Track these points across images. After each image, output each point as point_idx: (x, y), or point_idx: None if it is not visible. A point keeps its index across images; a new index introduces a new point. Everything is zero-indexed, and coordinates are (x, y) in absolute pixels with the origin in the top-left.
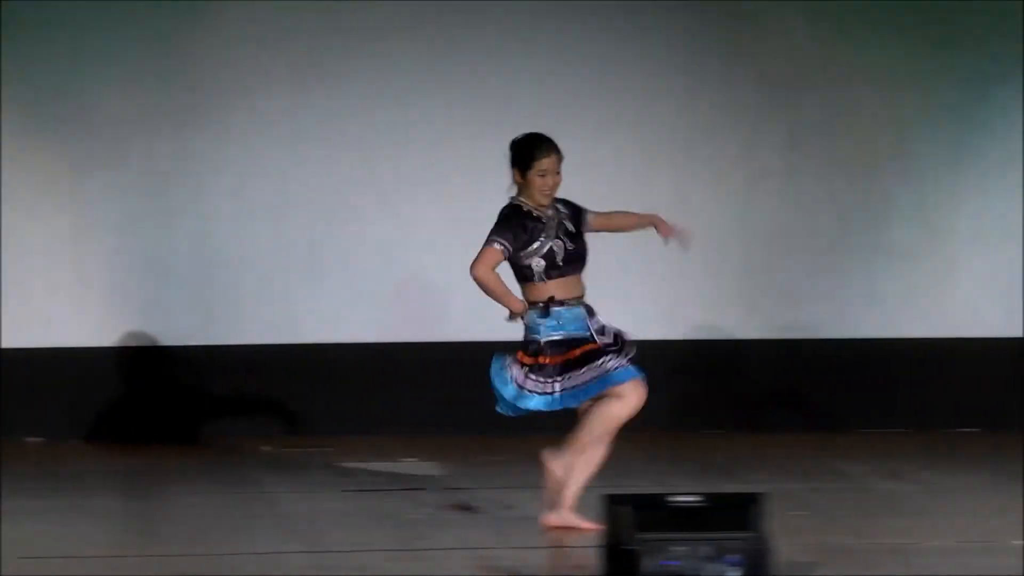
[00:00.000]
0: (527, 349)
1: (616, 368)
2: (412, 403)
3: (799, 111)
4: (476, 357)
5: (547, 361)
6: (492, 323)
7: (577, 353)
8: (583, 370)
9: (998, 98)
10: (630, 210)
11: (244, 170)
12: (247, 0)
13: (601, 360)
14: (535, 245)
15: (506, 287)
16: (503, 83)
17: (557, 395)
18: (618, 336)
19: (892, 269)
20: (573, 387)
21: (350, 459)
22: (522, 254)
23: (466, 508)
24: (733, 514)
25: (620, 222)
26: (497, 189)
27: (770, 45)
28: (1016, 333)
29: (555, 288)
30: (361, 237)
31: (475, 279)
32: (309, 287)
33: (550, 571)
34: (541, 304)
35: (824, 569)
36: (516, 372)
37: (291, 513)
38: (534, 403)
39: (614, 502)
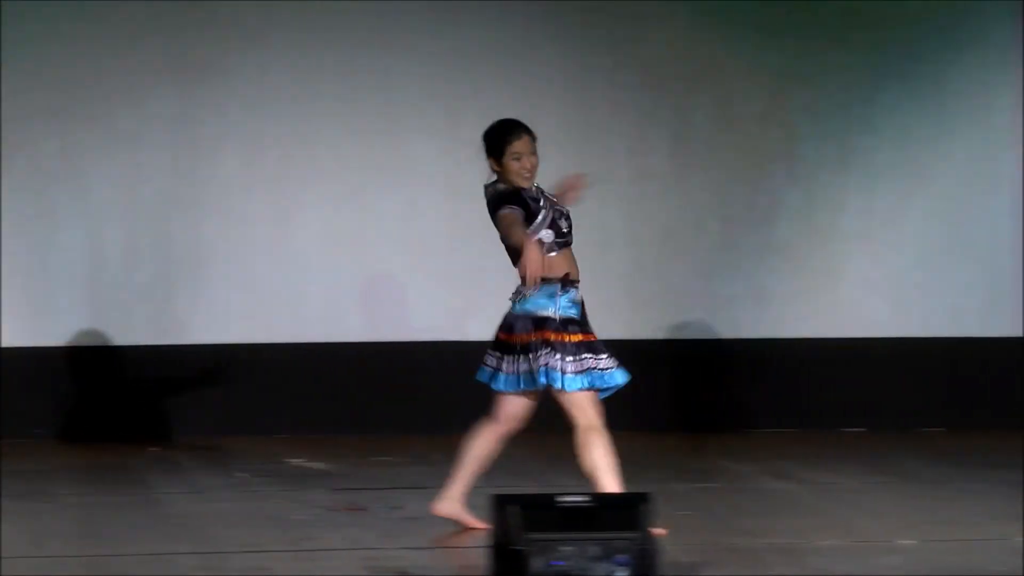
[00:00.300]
0: (545, 326)
1: (611, 369)
2: (300, 403)
3: (686, 112)
4: (365, 356)
5: (571, 339)
6: (381, 324)
7: (592, 337)
8: (596, 357)
9: (885, 99)
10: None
11: (130, 170)
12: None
13: (605, 354)
14: (540, 217)
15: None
16: (387, 84)
17: (594, 373)
18: None
19: (779, 269)
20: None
21: (238, 459)
22: (530, 229)
23: (354, 508)
24: (621, 514)
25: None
26: (383, 190)
27: (656, 46)
28: (903, 333)
29: (565, 264)
30: (248, 238)
31: (521, 247)
32: (195, 288)
33: (438, 571)
34: (558, 279)
35: (712, 569)
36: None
37: (179, 514)
38: (579, 382)
39: (502, 502)
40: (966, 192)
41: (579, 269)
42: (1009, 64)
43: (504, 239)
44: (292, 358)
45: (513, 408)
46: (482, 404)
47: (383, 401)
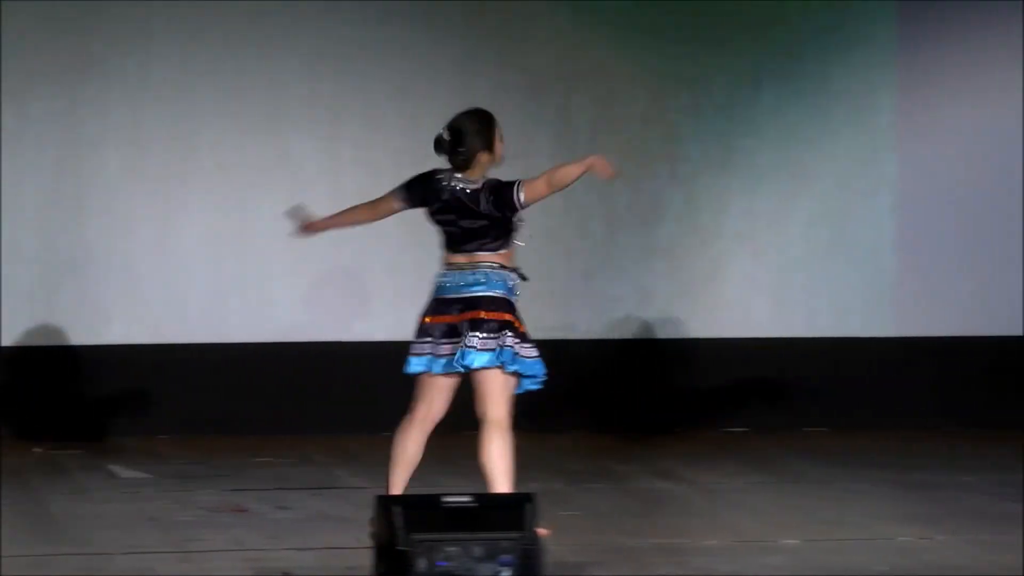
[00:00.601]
0: (515, 313)
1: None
2: (183, 404)
3: (569, 113)
4: (248, 357)
5: (521, 328)
6: (264, 324)
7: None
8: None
9: (768, 100)
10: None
11: (12, 170)
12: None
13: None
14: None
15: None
16: (270, 84)
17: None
18: None
19: (661, 269)
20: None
21: (121, 461)
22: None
23: (238, 509)
24: (505, 514)
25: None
26: (266, 189)
27: (539, 46)
28: (786, 333)
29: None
30: (131, 238)
31: (581, 170)
32: (77, 288)
33: (323, 572)
34: (520, 271)
35: (597, 569)
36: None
37: (61, 515)
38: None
39: (386, 503)
40: (848, 193)
41: None
42: (889, 64)
43: (557, 187)
44: (175, 359)
45: (443, 394)
46: (368, 405)
47: (268, 401)
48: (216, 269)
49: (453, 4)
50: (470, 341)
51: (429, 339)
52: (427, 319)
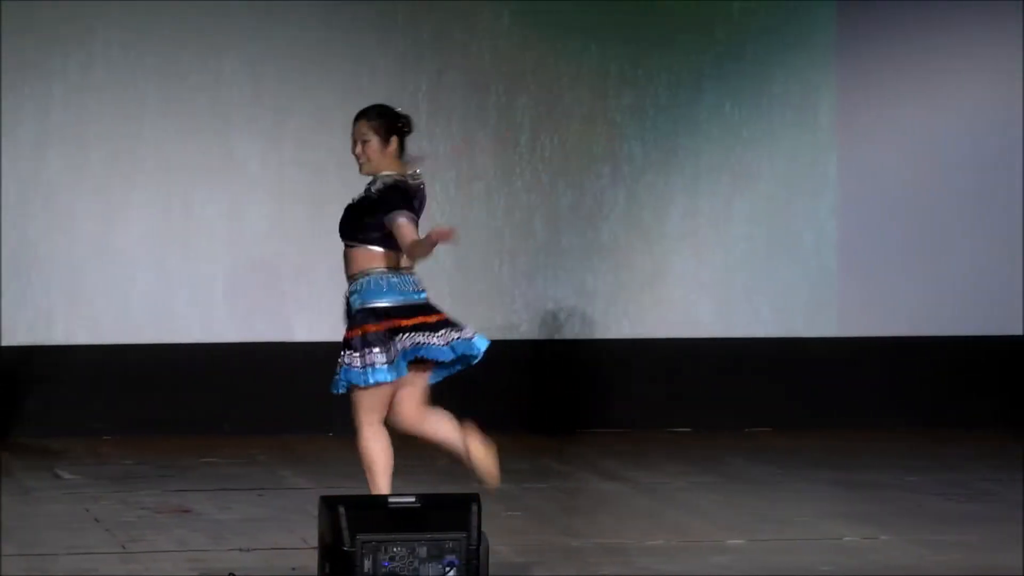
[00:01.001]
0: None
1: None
2: (128, 404)
3: (511, 112)
4: (195, 356)
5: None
6: (208, 326)
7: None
8: None
9: (711, 100)
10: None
11: None
12: None
13: None
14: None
15: None
16: (213, 83)
17: None
18: None
19: (603, 270)
20: None
21: (65, 461)
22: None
23: (182, 510)
24: (450, 515)
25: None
26: (208, 189)
27: (481, 46)
28: (728, 333)
29: None
30: (73, 238)
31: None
32: (19, 289)
33: (267, 572)
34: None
35: (542, 569)
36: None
37: (5, 515)
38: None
39: (330, 503)
40: (790, 192)
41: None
42: (829, 65)
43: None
44: (118, 359)
45: (394, 396)
46: (312, 405)
47: (213, 401)
48: (159, 269)
49: (395, 3)
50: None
51: None
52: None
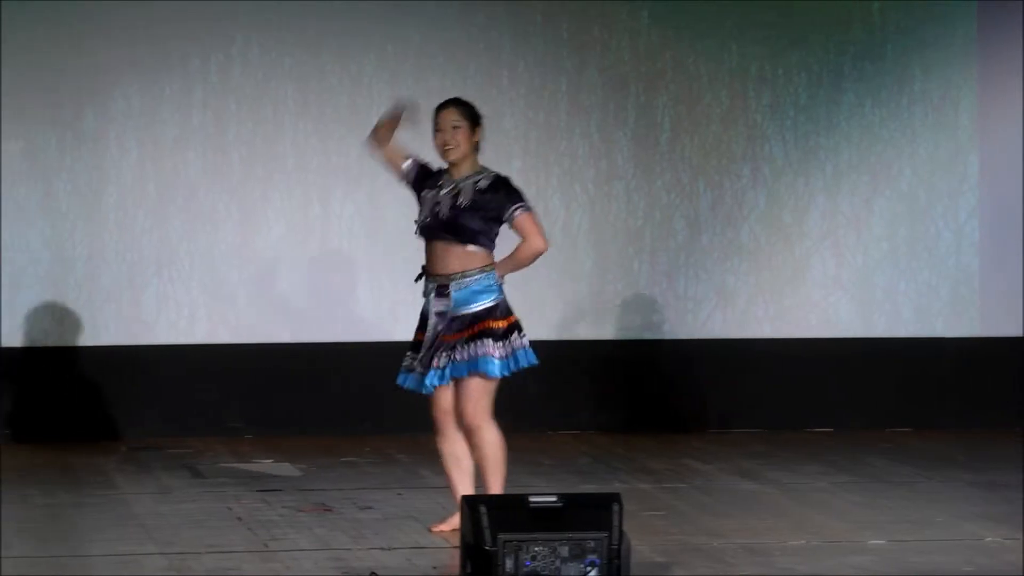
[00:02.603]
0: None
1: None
2: (268, 403)
3: (649, 113)
4: (336, 357)
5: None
6: (353, 324)
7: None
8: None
9: (850, 99)
10: None
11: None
12: None
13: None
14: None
15: None
16: (347, 80)
17: None
18: None
19: (743, 270)
20: None
21: (205, 460)
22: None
23: (323, 509)
24: (591, 514)
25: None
26: (345, 189)
27: (620, 45)
28: (866, 333)
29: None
30: (215, 235)
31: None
32: (161, 287)
33: (409, 572)
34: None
35: (682, 569)
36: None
37: (146, 514)
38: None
39: (473, 503)
40: (929, 192)
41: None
42: (969, 64)
43: None
44: (259, 358)
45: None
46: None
47: (353, 400)
48: (298, 269)
49: (533, 3)
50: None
51: None
52: None
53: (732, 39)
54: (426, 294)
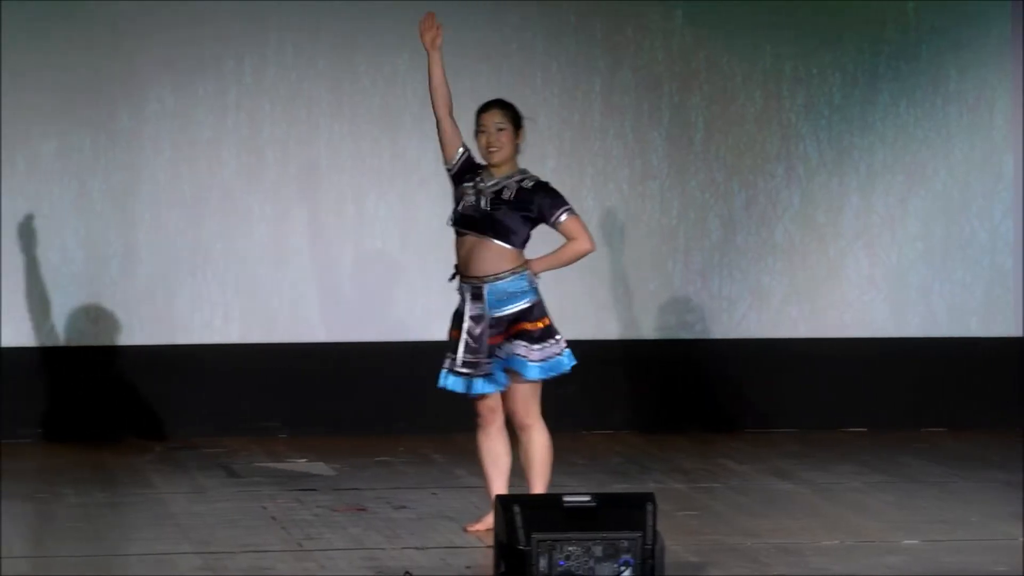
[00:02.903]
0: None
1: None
2: (303, 403)
3: (684, 112)
4: (371, 357)
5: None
6: (388, 325)
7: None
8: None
9: (885, 99)
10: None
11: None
12: None
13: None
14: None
15: None
16: (380, 80)
17: None
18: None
19: (777, 269)
20: None
21: (240, 460)
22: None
23: (357, 508)
24: (625, 514)
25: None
26: (379, 190)
27: (654, 45)
28: (900, 333)
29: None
30: (249, 235)
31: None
32: (195, 287)
33: (443, 571)
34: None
35: (716, 569)
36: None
37: (181, 513)
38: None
39: (507, 502)
40: (963, 192)
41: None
42: (1004, 64)
43: None
44: (293, 358)
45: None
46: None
47: (387, 400)
48: (333, 269)
49: (567, 3)
50: None
51: None
52: None
53: (766, 39)
54: (460, 292)
